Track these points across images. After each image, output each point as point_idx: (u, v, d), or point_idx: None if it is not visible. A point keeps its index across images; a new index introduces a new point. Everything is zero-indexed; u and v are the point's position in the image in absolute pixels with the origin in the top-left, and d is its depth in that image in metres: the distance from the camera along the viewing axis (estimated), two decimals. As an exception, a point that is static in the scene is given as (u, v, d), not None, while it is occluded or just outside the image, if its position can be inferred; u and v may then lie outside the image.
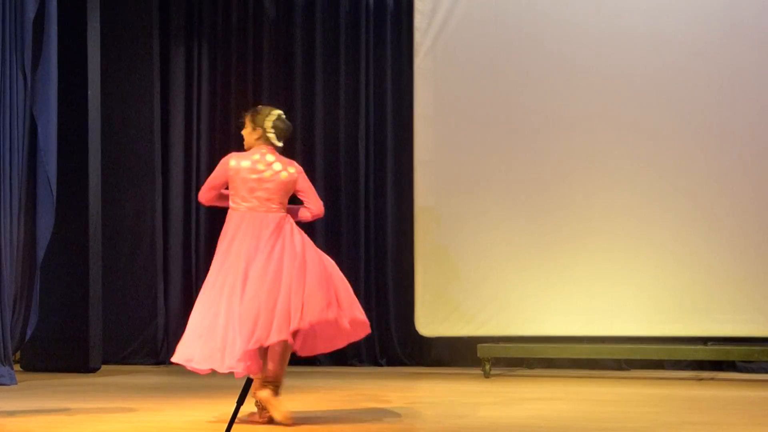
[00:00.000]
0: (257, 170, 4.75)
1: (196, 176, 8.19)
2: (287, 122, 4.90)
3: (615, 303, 6.76)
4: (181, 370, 7.65)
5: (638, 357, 6.96)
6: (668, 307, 6.68)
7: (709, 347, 6.68)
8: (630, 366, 7.23)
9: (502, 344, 7.00)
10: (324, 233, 7.90)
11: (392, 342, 7.74)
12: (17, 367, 7.13)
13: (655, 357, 6.98)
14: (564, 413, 5.05)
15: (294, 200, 4.95)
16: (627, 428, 4.52)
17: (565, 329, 6.86)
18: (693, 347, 6.74)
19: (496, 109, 7.08)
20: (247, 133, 4.87)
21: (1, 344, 6.48)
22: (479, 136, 7.11)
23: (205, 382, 6.65)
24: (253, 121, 4.85)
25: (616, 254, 6.79)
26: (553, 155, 6.97)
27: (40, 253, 6.86)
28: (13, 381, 6.45)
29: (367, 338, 7.82)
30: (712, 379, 6.79)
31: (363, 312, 4.74)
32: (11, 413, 5.00)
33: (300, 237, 4.72)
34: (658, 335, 6.77)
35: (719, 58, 6.70)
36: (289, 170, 4.82)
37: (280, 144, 4.84)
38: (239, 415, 3.86)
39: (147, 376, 7.23)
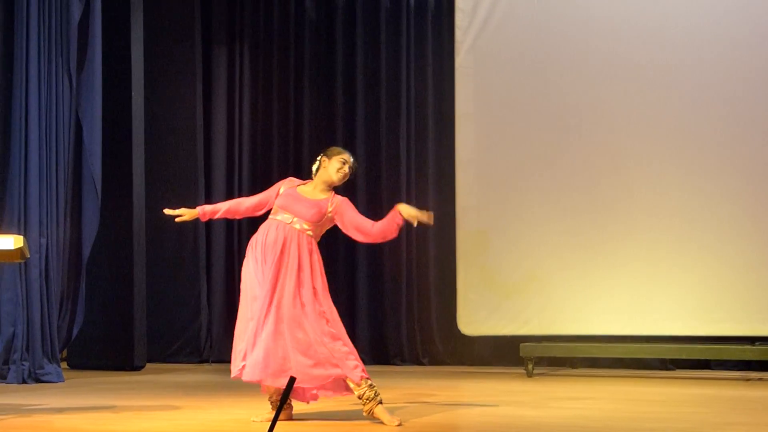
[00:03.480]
0: None
1: (238, 177, 8.24)
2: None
3: (660, 302, 6.69)
4: (223, 368, 7.72)
5: (684, 357, 6.87)
6: (715, 307, 6.59)
7: (757, 347, 6.57)
8: (675, 366, 7.14)
9: (544, 343, 6.95)
10: (366, 232, 7.91)
11: (434, 341, 7.73)
12: (64, 365, 7.24)
13: (702, 357, 6.89)
14: (608, 413, 5.01)
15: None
16: (672, 428, 4.47)
17: (609, 328, 6.80)
18: (740, 347, 6.63)
19: (538, 108, 7.03)
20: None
21: (49, 343, 6.58)
22: (521, 135, 7.07)
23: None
24: None
25: (661, 253, 6.71)
26: (595, 154, 6.90)
27: (86, 253, 6.95)
28: (60, 379, 6.54)
29: (410, 337, 7.89)
30: (759, 379, 6.69)
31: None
32: (59, 410, 5.08)
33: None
34: (705, 335, 6.68)
35: None
36: None
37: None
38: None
39: (191, 374, 7.29)
